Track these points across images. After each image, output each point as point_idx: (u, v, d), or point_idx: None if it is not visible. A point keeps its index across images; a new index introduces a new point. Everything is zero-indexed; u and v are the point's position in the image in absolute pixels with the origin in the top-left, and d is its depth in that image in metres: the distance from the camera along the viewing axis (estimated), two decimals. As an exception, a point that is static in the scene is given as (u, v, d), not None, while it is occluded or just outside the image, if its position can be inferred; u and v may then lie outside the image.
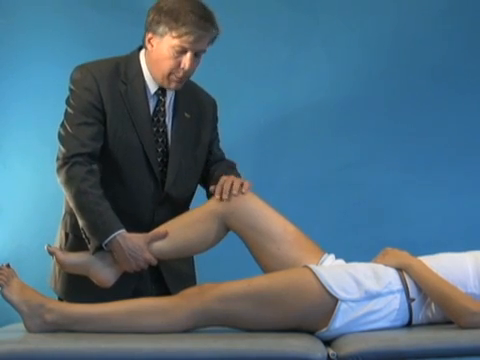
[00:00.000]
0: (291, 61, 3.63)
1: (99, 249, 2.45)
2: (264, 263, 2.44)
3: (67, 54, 3.50)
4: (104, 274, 2.47)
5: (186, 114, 2.65)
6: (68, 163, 2.47)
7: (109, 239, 2.43)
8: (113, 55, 2.66)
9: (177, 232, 2.48)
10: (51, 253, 2.48)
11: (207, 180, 2.71)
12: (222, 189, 2.47)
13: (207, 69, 2.60)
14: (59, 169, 2.50)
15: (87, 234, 2.46)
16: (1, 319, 2.78)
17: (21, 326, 2.30)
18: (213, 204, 2.49)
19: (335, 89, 3.62)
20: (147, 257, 2.45)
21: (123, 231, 2.45)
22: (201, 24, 2.45)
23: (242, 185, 2.48)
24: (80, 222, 2.47)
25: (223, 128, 2.81)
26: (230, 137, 2.87)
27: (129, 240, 2.44)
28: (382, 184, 3.58)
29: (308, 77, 3.62)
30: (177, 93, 2.63)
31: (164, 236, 2.47)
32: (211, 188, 2.53)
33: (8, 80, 3.59)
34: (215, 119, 2.76)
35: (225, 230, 2.49)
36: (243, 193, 2.46)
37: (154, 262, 2.48)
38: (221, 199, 2.46)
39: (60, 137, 2.54)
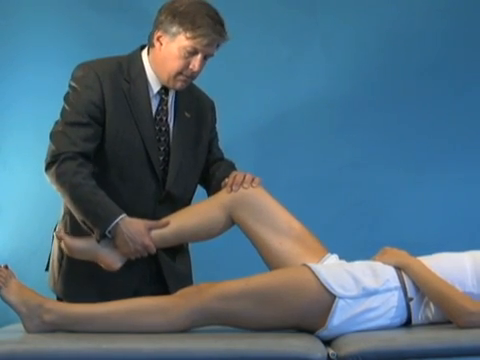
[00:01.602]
0: (290, 61, 3.64)
1: (104, 237, 2.46)
2: (266, 258, 2.45)
3: (67, 54, 3.50)
4: (111, 257, 2.47)
5: (186, 113, 2.66)
6: (57, 161, 2.47)
7: (112, 225, 2.43)
8: (112, 55, 2.65)
9: (181, 220, 2.50)
10: (59, 238, 2.49)
11: (207, 180, 2.72)
12: (233, 181, 2.50)
13: (206, 68, 2.60)
14: (48, 167, 2.50)
15: (89, 225, 2.46)
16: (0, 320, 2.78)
17: (20, 327, 2.30)
18: (221, 196, 2.51)
19: (334, 89, 3.62)
20: (146, 242, 2.45)
21: (124, 215, 2.45)
22: (216, 28, 2.49)
23: (253, 180, 2.51)
24: (78, 215, 2.47)
25: (222, 127, 2.81)
26: (229, 136, 2.88)
27: (130, 224, 2.45)
28: (381, 183, 3.58)
29: (307, 77, 3.63)
30: (177, 92, 2.64)
31: (165, 225, 2.48)
32: (223, 182, 2.55)
33: (8, 80, 3.59)
34: (214, 121, 2.78)
35: (230, 222, 2.50)
36: (253, 187, 2.49)
37: (153, 250, 2.47)
38: (231, 190, 2.49)
39: (51, 134, 2.54)
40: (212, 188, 2.67)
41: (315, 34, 3.65)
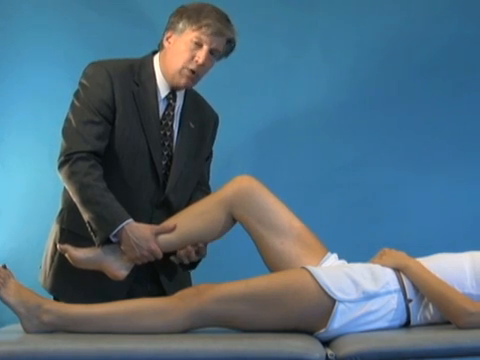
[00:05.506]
0: (289, 62, 3.63)
1: (105, 242, 2.45)
2: (267, 257, 2.44)
3: (66, 55, 3.50)
4: (117, 267, 2.46)
5: (191, 124, 2.67)
6: (71, 160, 2.47)
7: (118, 229, 2.43)
8: (112, 56, 2.67)
9: (185, 223, 2.48)
10: (63, 251, 2.46)
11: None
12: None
13: (205, 69, 2.60)
14: (61, 165, 2.50)
15: (93, 227, 2.45)
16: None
17: (19, 327, 2.29)
18: (221, 194, 2.49)
19: (334, 89, 3.62)
20: (152, 247, 2.45)
21: (131, 220, 2.45)
22: (222, 20, 2.56)
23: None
24: (85, 216, 2.47)
25: (221, 130, 2.81)
26: (228, 139, 2.88)
27: (136, 229, 2.44)
28: (380, 184, 3.58)
29: (306, 78, 3.62)
30: (185, 101, 2.67)
31: (172, 230, 2.47)
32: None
33: (7, 81, 3.58)
34: (214, 133, 2.79)
35: (232, 221, 2.49)
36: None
37: (159, 255, 2.47)
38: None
39: (64, 131, 2.54)
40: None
41: (314, 34, 3.64)
